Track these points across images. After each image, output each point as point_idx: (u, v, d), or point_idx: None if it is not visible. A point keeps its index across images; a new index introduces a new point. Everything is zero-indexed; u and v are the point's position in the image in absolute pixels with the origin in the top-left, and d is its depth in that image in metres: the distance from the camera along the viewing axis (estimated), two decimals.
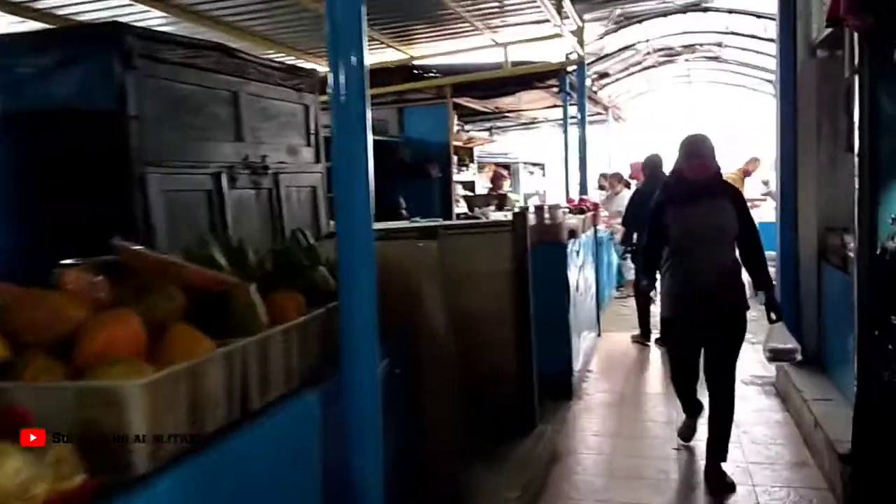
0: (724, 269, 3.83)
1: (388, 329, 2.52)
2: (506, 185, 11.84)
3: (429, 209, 8.29)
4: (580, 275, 6.35)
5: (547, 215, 5.60)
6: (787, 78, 5.37)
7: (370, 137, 2.20)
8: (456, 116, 9.22)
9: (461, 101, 9.00)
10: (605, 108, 12.34)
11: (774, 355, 4.09)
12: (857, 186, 3.40)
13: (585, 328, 6.61)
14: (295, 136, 4.49)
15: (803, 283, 5.33)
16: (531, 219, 5.64)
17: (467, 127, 13.34)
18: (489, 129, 13.33)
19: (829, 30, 4.85)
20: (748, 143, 18.54)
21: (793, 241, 5.38)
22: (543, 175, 16.10)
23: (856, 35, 3.29)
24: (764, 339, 4.12)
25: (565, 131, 8.41)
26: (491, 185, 11.54)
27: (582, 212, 6.58)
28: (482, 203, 8.50)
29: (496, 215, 6.41)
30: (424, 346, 2.84)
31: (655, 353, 6.88)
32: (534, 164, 16.05)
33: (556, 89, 8.45)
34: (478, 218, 6.52)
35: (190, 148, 3.55)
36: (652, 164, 7.20)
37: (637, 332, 7.35)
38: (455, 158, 11.94)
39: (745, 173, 10.42)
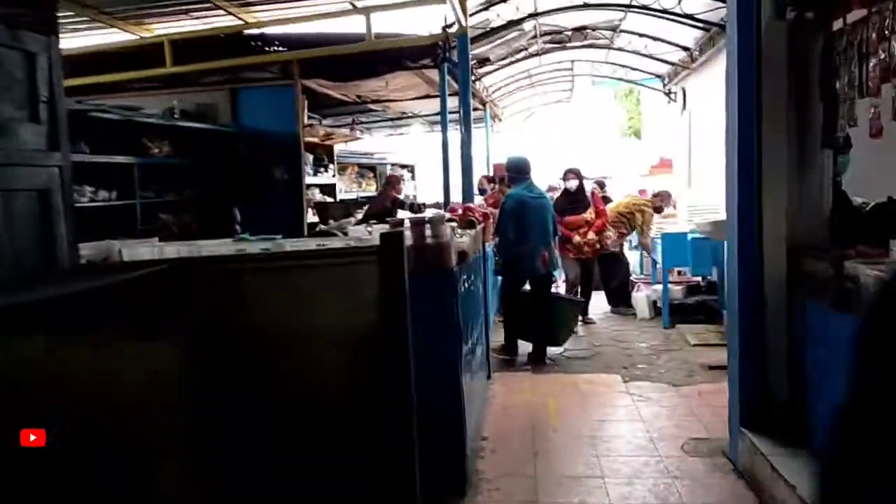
0: None
1: None
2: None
3: (273, 220, 6.47)
4: (470, 309, 4.77)
5: (429, 232, 3.95)
6: (746, 46, 4.01)
7: None
8: (307, 105, 7.41)
9: (313, 83, 7.19)
10: (483, 103, 10.90)
11: None
12: None
13: (476, 375, 5.04)
14: (3, 104, 2.59)
15: (770, 322, 4.00)
16: (407, 238, 4.00)
17: (326, 121, 11.57)
18: (350, 125, 11.56)
19: None
20: (641, 150, 17.86)
21: (756, 268, 4.03)
22: (413, 178, 14.51)
23: None
24: None
25: (443, 123, 6.80)
26: (385, 189, 9.50)
27: (471, 224, 4.98)
28: (341, 213, 6.72)
29: (357, 231, 4.68)
30: None
31: (565, 397, 5.42)
32: (402, 166, 14.41)
33: (431, 69, 6.86)
34: (332, 235, 4.76)
35: None
36: (517, 167, 6.54)
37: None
38: (311, 157, 10.16)
39: (657, 210, 9.11)
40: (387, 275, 2.86)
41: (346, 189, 12.22)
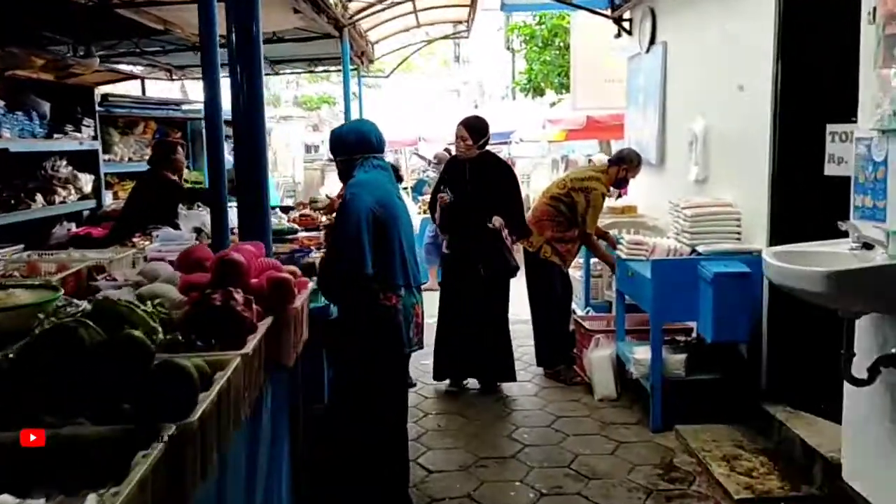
0: None
1: None
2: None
3: None
4: None
5: None
6: None
7: None
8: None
9: None
10: (339, 26, 6.90)
11: None
12: None
13: None
14: None
15: None
16: None
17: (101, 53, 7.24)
18: (72, 50, 6.95)
19: None
20: (545, 108, 14.31)
21: None
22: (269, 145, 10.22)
23: None
24: None
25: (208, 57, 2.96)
26: (155, 167, 5.43)
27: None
28: None
29: None
30: None
31: None
32: (227, 123, 10.08)
33: None
34: None
35: None
36: (358, 137, 3.64)
37: None
38: (46, 106, 6.02)
39: (618, 184, 5.97)
40: None
41: (133, 157, 7.92)
